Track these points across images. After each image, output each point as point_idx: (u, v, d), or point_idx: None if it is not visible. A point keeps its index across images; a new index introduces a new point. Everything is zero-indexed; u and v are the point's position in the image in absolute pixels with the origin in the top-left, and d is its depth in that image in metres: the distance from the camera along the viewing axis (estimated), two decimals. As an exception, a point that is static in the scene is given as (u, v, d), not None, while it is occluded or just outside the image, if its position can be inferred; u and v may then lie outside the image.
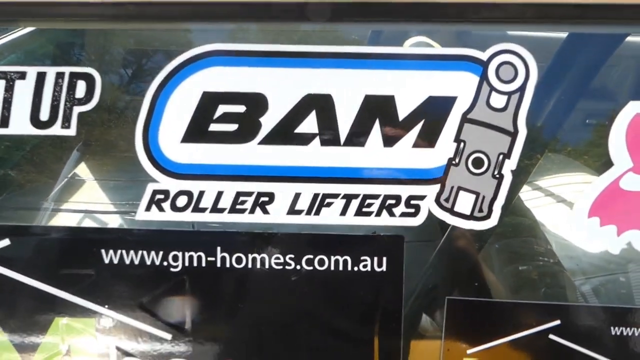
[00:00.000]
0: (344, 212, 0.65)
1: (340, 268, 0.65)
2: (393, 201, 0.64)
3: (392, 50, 0.64)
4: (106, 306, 0.67)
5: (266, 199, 0.64)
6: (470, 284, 0.74)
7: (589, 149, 0.75)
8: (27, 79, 0.66)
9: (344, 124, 0.64)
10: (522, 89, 0.64)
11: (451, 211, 0.65)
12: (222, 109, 0.64)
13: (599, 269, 0.76)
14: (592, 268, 0.77)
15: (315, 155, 0.64)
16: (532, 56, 0.65)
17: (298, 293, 0.66)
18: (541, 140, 0.75)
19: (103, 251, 0.66)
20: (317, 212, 0.64)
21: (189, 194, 0.65)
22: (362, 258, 0.65)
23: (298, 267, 0.65)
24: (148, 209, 0.65)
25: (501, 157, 0.65)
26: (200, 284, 0.66)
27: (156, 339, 0.67)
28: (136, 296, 0.67)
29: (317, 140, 0.64)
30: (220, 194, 0.65)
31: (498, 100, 0.65)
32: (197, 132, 0.64)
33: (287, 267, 0.65)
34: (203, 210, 0.65)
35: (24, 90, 0.66)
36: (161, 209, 0.65)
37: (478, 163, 0.65)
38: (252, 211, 0.65)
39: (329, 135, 0.64)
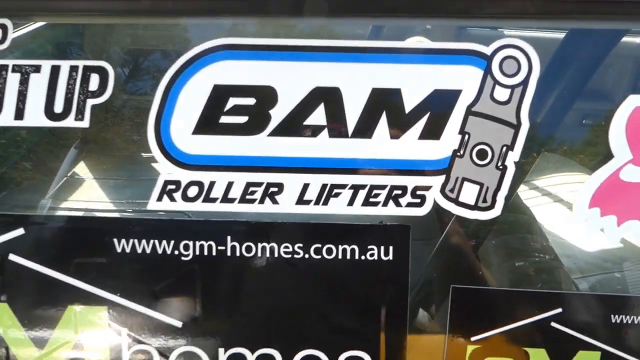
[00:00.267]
0: (351, 203, 0.66)
1: (348, 257, 0.67)
2: (399, 191, 0.66)
3: (398, 45, 0.66)
4: (118, 294, 0.68)
5: (275, 189, 0.66)
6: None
7: (591, 142, 0.77)
8: (41, 72, 0.67)
9: (352, 116, 0.66)
10: (525, 82, 0.66)
11: (456, 201, 0.66)
12: (232, 102, 0.66)
13: (601, 260, 0.78)
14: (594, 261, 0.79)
15: (323, 146, 0.66)
16: (535, 50, 0.66)
17: (306, 281, 0.68)
18: (543, 133, 0.76)
19: (115, 240, 0.67)
20: (326, 202, 0.66)
21: (199, 184, 0.66)
22: (369, 247, 0.66)
23: (307, 256, 0.66)
24: (160, 199, 0.67)
25: (504, 148, 0.66)
26: (211, 273, 0.67)
27: (167, 326, 0.68)
28: (147, 285, 0.68)
29: (325, 132, 0.65)
30: (230, 184, 0.66)
31: (501, 94, 0.67)
32: (208, 124, 0.66)
33: (295, 256, 0.67)
34: (214, 200, 0.66)
35: (38, 83, 0.67)
36: (172, 199, 0.66)
37: (482, 155, 0.67)
38: (261, 201, 0.66)
39: (337, 127, 0.65)
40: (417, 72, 0.67)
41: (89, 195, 0.77)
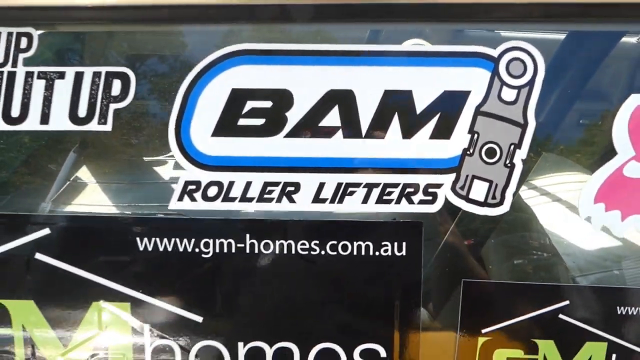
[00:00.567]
0: (365, 200, 0.69)
1: (363, 253, 0.69)
2: (412, 189, 0.69)
3: (409, 48, 0.68)
4: (140, 291, 0.71)
5: (292, 188, 0.69)
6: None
7: (595, 140, 0.79)
8: (66, 78, 0.70)
9: (365, 117, 0.68)
10: (530, 83, 0.68)
11: (466, 198, 0.69)
12: (250, 105, 0.69)
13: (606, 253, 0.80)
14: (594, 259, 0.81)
15: (338, 147, 0.68)
16: (540, 52, 0.68)
17: (322, 277, 0.70)
18: (549, 131, 0.79)
19: (138, 239, 0.69)
20: (341, 201, 0.69)
21: (219, 184, 0.69)
22: (383, 243, 0.69)
23: (322, 252, 0.69)
24: (180, 199, 0.69)
25: (512, 147, 0.69)
26: (230, 270, 0.70)
27: (188, 322, 0.71)
28: (169, 281, 0.71)
29: (339, 133, 0.68)
30: (249, 184, 0.69)
31: (509, 94, 0.69)
32: (226, 126, 0.69)
33: (312, 253, 0.69)
34: (233, 199, 0.69)
35: (63, 89, 0.70)
36: (193, 199, 0.69)
37: (491, 153, 0.69)
38: (279, 200, 0.69)
39: (351, 128, 0.68)
40: (427, 74, 0.70)
41: (110, 197, 0.79)
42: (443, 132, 0.70)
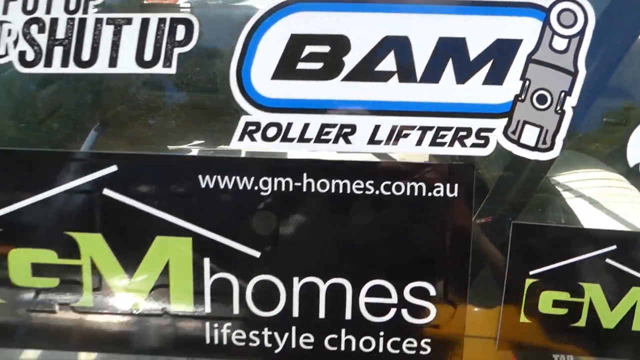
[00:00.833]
0: (419, 143, 0.71)
1: (416, 193, 0.72)
2: (464, 133, 0.71)
3: (464, -3, 0.71)
4: (202, 226, 0.74)
5: (348, 130, 0.71)
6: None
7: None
8: (133, 24, 0.73)
9: (420, 63, 0.71)
10: (581, 33, 0.70)
11: (517, 143, 0.71)
12: (308, 50, 0.71)
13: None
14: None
15: (393, 90, 0.71)
16: (590, 4, 0.70)
17: (376, 217, 0.73)
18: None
19: (200, 177, 0.73)
20: (395, 142, 0.71)
21: (278, 125, 0.72)
22: (435, 185, 0.71)
23: (377, 192, 0.72)
24: (241, 139, 0.72)
25: (563, 94, 0.71)
26: (287, 207, 0.73)
27: (246, 256, 0.74)
28: (229, 217, 0.74)
29: (395, 77, 0.70)
30: (306, 125, 0.72)
31: (560, 43, 0.71)
32: (285, 70, 0.72)
33: (366, 192, 0.72)
34: (291, 140, 0.72)
35: (130, 34, 0.73)
36: (253, 139, 0.72)
37: (542, 99, 0.71)
38: (335, 141, 0.72)
39: (406, 73, 0.70)
40: (481, 22, 0.72)
41: (177, 135, 0.83)
42: (496, 78, 0.72)
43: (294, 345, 0.81)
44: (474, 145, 0.73)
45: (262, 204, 0.76)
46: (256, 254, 0.77)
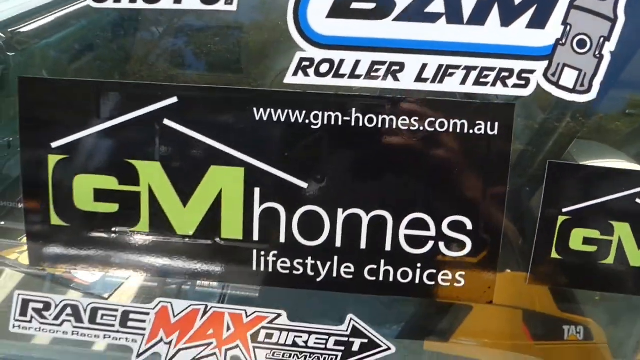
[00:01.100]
0: (463, 82, 0.75)
1: (458, 130, 0.76)
2: (507, 74, 0.75)
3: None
4: (254, 157, 0.79)
5: (397, 67, 0.76)
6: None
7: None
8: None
9: (467, 5, 0.74)
10: (621, -19, 0.73)
11: (556, 85, 0.75)
12: (362, -9, 0.75)
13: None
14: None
15: (441, 31, 0.74)
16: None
17: (419, 152, 0.77)
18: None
19: (255, 109, 0.77)
20: (441, 81, 0.75)
21: (330, 61, 0.76)
22: (477, 122, 0.75)
23: (421, 128, 0.76)
24: (295, 74, 0.77)
25: (602, 39, 0.74)
26: (336, 141, 0.77)
27: (294, 187, 0.79)
28: (280, 149, 0.79)
29: (443, 19, 0.74)
30: (357, 62, 0.76)
31: (601, -9, 0.74)
32: (340, 9, 0.75)
33: (412, 128, 0.76)
34: (342, 76, 0.76)
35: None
36: (306, 74, 0.76)
37: (582, 44, 0.75)
38: (384, 78, 0.76)
39: (454, 14, 0.74)
40: (526, -30, 0.75)
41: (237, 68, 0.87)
42: (538, 22, 0.76)
43: (335, 275, 0.86)
44: (515, 85, 0.77)
45: (312, 137, 0.80)
46: (304, 185, 0.82)
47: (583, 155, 0.97)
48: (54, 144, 0.84)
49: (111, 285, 1.07)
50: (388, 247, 0.83)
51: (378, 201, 0.81)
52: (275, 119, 0.80)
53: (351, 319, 0.89)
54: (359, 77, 0.78)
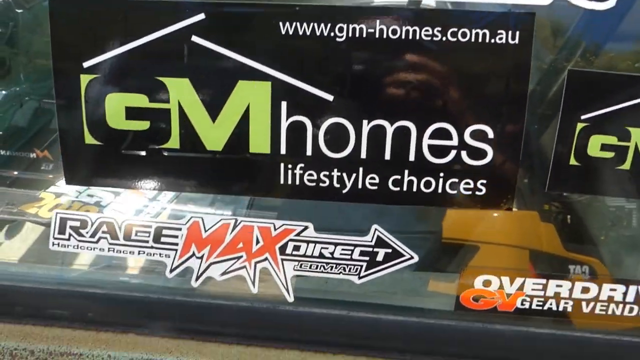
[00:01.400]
0: (485, -8, 0.76)
1: (480, 40, 0.77)
2: (526, -18, 0.75)
3: None
4: (280, 70, 0.81)
5: (420, -22, 0.76)
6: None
7: None
8: None
9: None
10: None
11: (575, -7, 0.76)
12: None
13: None
14: None
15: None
16: None
17: (441, 62, 0.79)
18: None
19: (281, 23, 0.79)
20: (463, -9, 0.76)
21: (354, -26, 0.77)
22: (498, 32, 0.76)
23: (444, 38, 0.77)
24: (319, -13, 0.78)
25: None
26: (360, 54, 0.79)
27: (319, 99, 0.81)
28: (306, 63, 0.80)
29: None
30: (381, -26, 0.77)
31: None
32: None
33: (434, 39, 0.77)
34: (365, -10, 0.77)
35: None
36: (330, -12, 0.77)
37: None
38: (407, -11, 0.76)
39: None
40: None
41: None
42: None
43: (360, 186, 0.88)
44: (534, -6, 0.78)
45: (337, 50, 0.82)
46: (329, 97, 0.84)
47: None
48: (86, 64, 0.86)
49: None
50: (412, 157, 0.85)
51: (402, 112, 0.83)
52: (300, 32, 0.81)
53: (376, 229, 0.92)
54: (382, -12, 0.79)
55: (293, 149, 0.87)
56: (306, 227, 0.93)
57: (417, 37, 0.80)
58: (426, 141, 0.84)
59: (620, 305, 0.92)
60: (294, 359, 0.98)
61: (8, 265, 1.19)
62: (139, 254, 0.98)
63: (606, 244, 1.23)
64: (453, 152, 0.85)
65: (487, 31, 0.79)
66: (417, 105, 0.83)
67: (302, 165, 0.87)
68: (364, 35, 0.81)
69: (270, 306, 0.99)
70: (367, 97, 0.84)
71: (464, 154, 0.84)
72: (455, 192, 0.87)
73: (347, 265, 0.94)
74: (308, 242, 0.94)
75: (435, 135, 0.84)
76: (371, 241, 0.93)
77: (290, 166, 0.88)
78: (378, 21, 0.80)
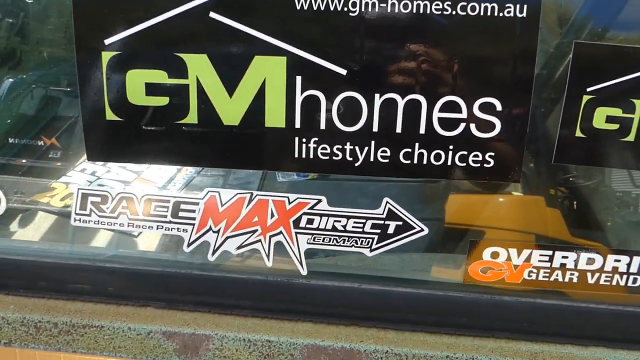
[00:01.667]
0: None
1: (489, 14, 0.79)
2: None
3: None
4: (294, 45, 0.83)
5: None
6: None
7: None
8: None
9: None
10: None
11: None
12: None
13: None
14: None
15: None
16: None
17: (450, 37, 0.81)
18: None
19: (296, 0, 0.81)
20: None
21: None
22: (506, 5, 0.78)
23: (453, 12, 0.79)
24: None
25: None
26: (373, 28, 0.81)
27: (333, 73, 0.83)
28: (329, 37, 0.82)
29: None
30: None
31: None
32: None
33: (444, 12, 0.79)
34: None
35: None
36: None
37: None
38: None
39: None
40: None
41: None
42: None
43: (372, 159, 0.91)
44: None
45: (350, 25, 0.84)
46: (343, 71, 0.86)
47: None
48: (107, 41, 0.88)
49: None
50: (422, 130, 0.87)
51: (413, 85, 0.85)
52: (315, 8, 0.83)
53: (387, 202, 0.94)
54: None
55: (307, 123, 0.89)
56: (320, 201, 0.95)
57: (428, 11, 0.82)
58: (436, 114, 0.86)
59: (625, 276, 0.94)
60: (308, 331, 0.99)
61: (31, 242, 1.21)
62: (157, 228, 1.01)
63: (612, 229, 1.24)
64: (462, 125, 0.86)
65: (495, 5, 0.81)
66: (428, 78, 0.85)
67: (316, 139, 0.90)
68: (376, 9, 0.82)
69: (284, 279, 1.01)
70: (379, 71, 0.86)
71: (472, 126, 0.86)
72: (464, 164, 0.89)
73: (359, 238, 0.96)
74: (321, 215, 0.96)
75: (445, 108, 0.86)
76: (382, 214, 0.95)
77: (304, 140, 0.90)
78: (390, -6, 0.82)
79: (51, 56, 1.40)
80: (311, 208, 0.95)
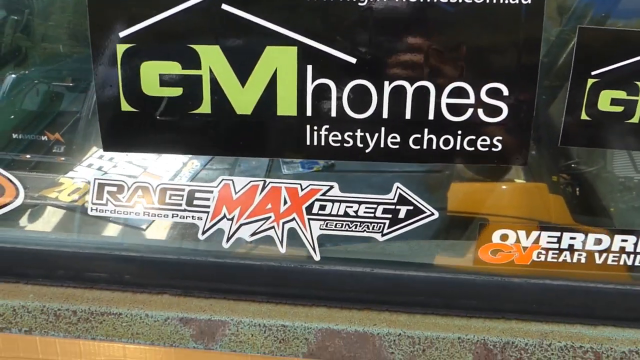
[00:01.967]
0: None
1: (495, 0, 0.81)
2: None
3: None
4: (305, 35, 0.85)
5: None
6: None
7: None
8: None
9: None
10: None
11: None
12: None
13: None
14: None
15: None
16: None
17: (458, 25, 0.84)
18: None
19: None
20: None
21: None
22: (512, -7, 0.81)
23: (460, 0, 0.82)
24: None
25: None
26: (381, 17, 0.84)
27: (343, 62, 0.86)
28: (335, 27, 0.85)
29: None
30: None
31: None
32: None
33: (451, 0, 0.82)
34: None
35: None
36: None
37: None
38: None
39: None
40: None
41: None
42: None
43: (382, 145, 0.93)
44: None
45: (359, 14, 0.87)
46: (352, 60, 0.89)
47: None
48: (122, 34, 0.91)
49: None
50: (431, 116, 0.90)
51: (421, 72, 0.88)
52: (323, -4, 0.86)
53: (397, 187, 0.97)
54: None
55: (318, 110, 0.91)
56: (331, 187, 0.98)
57: (435, 0, 0.84)
58: (444, 100, 0.89)
59: (632, 256, 0.96)
60: (322, 315, 1.02)
61: (49, 232, 1.24)
62: (172, 217, 1.04)
63: (615, 215, 1.26)
64: (470, 110, 0.89)
65: (499, -14, 0.83)
66: (436, 65, 0.88)
67: (327, 126, 0.92)
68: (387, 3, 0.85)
69: (298, 265, 1.04)
70: (388, 59, 0.88)
71: (480, 111, 0.89)
72: (472, 148, 0.91)
73: (371, 223, 0.99)
74: (333, 201, 0.99)
75: (453, 94, 0.88)
76: (393, 199, 0.97)
77: (315, 127, 0.93)
78: (400, -18, 0.84)
79: (54, 52, 1.42)
80: (323, 194, 0.98)
